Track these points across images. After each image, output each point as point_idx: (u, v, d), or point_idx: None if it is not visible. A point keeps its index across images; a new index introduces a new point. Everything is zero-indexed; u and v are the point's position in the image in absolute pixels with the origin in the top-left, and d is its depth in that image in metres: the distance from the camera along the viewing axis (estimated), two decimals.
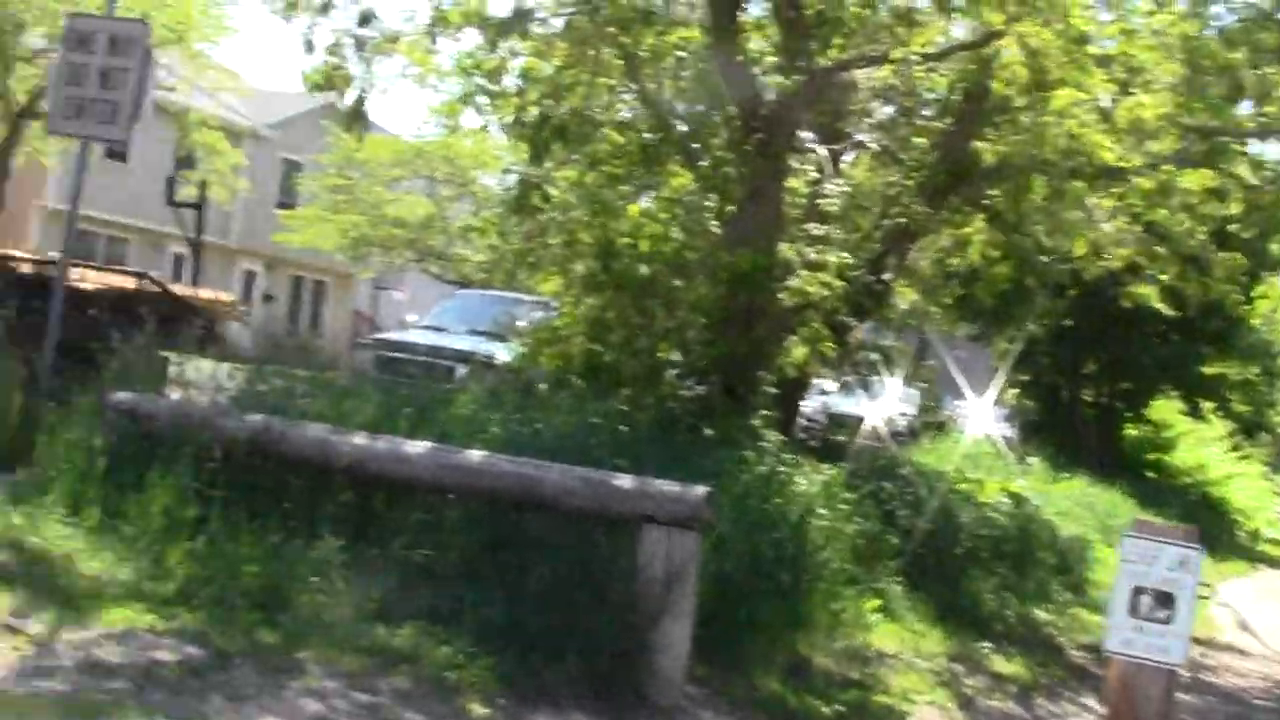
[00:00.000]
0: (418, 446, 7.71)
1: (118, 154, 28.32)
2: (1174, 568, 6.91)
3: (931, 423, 25.24)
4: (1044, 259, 15.30)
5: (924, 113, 13.73)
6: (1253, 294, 26.30)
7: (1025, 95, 10.64)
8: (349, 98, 11.54)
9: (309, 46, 10.99)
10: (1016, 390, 30.88)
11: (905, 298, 14.53)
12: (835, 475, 11.65)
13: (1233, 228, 15.72)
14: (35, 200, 35.01)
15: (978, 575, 13.16)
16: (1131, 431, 31.49)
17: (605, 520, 7.54)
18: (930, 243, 14.99)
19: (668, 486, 7.48)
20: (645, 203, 13.41)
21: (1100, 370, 29.97)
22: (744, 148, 12.08)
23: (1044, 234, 14.54)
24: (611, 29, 12.35)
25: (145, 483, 7.41)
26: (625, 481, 7.51)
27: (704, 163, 12.92)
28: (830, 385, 20.02)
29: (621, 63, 12.82)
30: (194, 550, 7.03)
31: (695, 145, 13.20)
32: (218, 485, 7.42)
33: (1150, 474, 29.85)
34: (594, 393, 11.30)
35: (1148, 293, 16.76)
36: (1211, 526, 27.57)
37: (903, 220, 13.62)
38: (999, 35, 11.09)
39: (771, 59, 12.52)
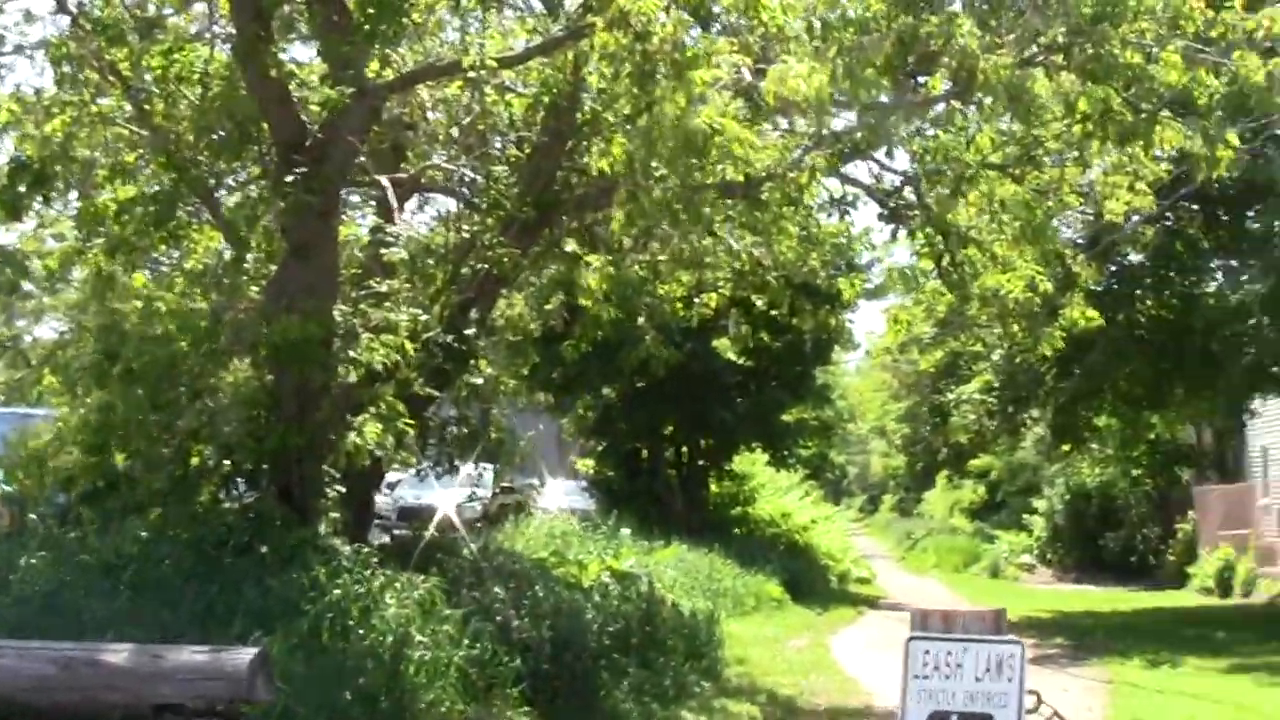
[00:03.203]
0: None
1: None
2: (988, 676, 4.75)
3: (508, 505, 23.44)
4: (657, 296, 13.54)
5: (504, 135, 11.62)
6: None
7: (637, 86, 8.55)
8: None
9: None
10: (593, 459, 29.73)
11: (480, 368, 12.32)
12: (433, 587, 9.65)
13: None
14: None
15: (610, 682, 11.55)
16: (715, 489, 30.62)
17: None
18: (521, 289, 12.94)
19: (194, 655, 4.90)
20: (167, 269, 11.06)
21: (680, 429, 28.79)
22: (285, 188, 9.50)
23: (662, 262, 12.73)
24: (104, 49, 9.64)
25: None
26: (123, 656, 4.78)
27: (235, 210, 10.33)
28: (396, 475, 17.79)
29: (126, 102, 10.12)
30: None
31: (222, 189, 10.59)
32: None
33: (738, 530, 29.16)
34: (104, 519, 8.65)
35: (725, 345, 16.79)
36: (806, 575, 27.55)
37: (484, 266, 11.41)
38: (587, 31, 8.95)
39: (319, 72, 10.02)
